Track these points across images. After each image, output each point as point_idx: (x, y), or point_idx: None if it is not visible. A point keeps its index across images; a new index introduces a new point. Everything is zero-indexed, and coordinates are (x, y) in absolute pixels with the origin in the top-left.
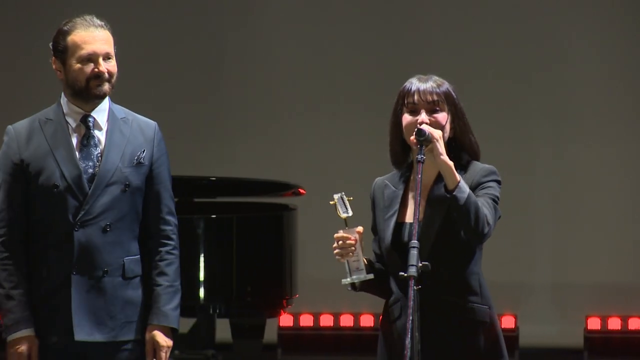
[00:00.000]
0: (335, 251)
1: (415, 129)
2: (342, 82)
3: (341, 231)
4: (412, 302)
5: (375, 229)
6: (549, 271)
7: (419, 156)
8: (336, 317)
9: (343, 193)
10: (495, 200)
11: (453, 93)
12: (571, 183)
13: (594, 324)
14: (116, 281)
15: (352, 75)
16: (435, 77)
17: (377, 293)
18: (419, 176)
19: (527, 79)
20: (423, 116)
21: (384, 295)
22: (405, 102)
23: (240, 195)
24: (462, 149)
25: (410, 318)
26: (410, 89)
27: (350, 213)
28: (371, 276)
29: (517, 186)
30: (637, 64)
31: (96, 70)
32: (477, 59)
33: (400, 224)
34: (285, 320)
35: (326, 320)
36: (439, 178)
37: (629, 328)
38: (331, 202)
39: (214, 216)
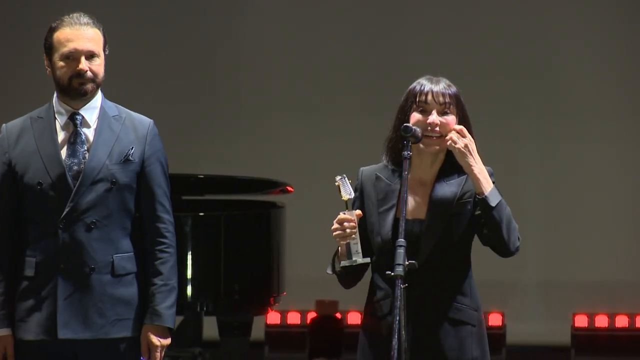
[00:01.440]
0: (336, 233)
1: (402, 126)
2: (332, 81)
3: (343, 213)
4: (398, 302)
5: (360, 222)
6: (537, 269)
7: (405, 152)
8: None
9: (345, 175)
10: None
11: (461, 97)
12: (560, 182)
13: (581, 321)
14: (105, 279)
15: (342, 75)
16: (445, 80)
17: (351, 278)
18: (405, 173)
19: (519, 77)
20: (434, 117)
21: (355, 281)
22: (416, 101)
23: (228, 193)
24: None
25: (397, 318)
26: (423, 89)
27: (353, 195)
28: (368, 260)
29: (505, 184)
30: (630, 60)
31: (77, 68)
32: (471, 58)
33: (398, 220)
34: (273, 317)
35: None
36: (441, 176)
37: (616, 326)
38: (336, 184)
39: (201, 214)
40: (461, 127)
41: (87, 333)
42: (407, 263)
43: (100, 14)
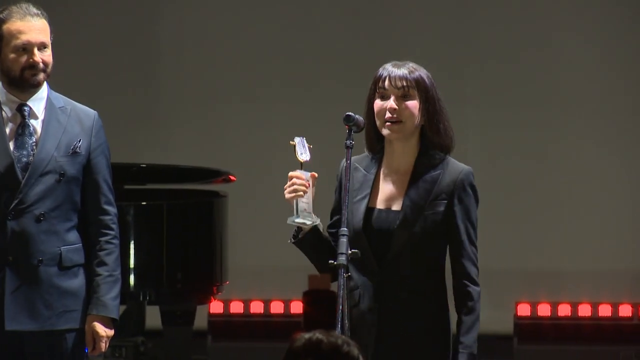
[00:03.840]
0: (287, 189)
1: (344, 115)
2: (277, 70)
3: (297, 171)
4: (341, 291)
5: (336, 211)
6: (479, 257)
7: (348, 141)
8: (266, 303)
9: (304, 138)
10: (475, 240)
11: (427, 80)
12: (503, 170)
13: (523, 310)
14: (52, 270)
15: (287, 64)
16: (411, 64)
17: (314, 258)
18: (348, 162)
19: (512, 63)
20: (391, 102)
21: (318, 264)
22: (377, 87)
23: (170, 182)
24: (433, 137)
25: (340, 307)
26: (382, 75)
27: (309, 157)
28: (318, 221)
29: None
30: (623, 49)
31: (31, 60)
32: (458, 44)
33: (371, 209)
34: (216, 307)
35: (256, 307)
36: (418, 166)
37: (559, 314)
38: (291, 142)
39: (144, 203)
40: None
41: (34, 325)
42: (349, 252)
43: (41, 2)
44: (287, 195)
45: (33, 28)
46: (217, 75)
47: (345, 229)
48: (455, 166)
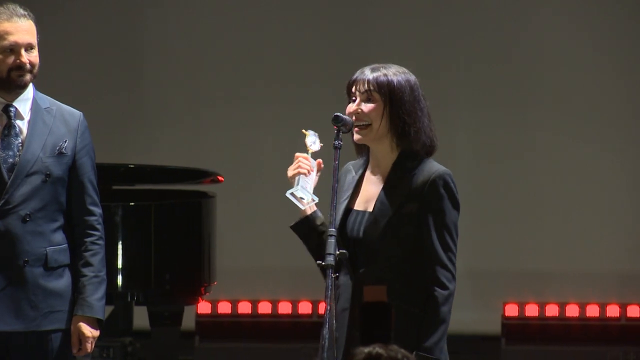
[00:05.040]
0: (291, 168)
1: (333, 116)
2: (263, 71)
3: (305, 154)
4: (329, 291)
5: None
6: (466, 258)
7: (336, 142)
8: (254, 304)
9: (317, 133)
10: (450, 242)
11: (396, 83)
12: (489, 171)
13: (511, 310)
14: (37, 271)
15: (273, 64)
16: (387, 67)
17: (309, 244)
18: (336, 162)
19: (500, 64)
20: (352, 105)
21: (313, 252)
22: (348, 91)
23: (158, 183)
24: (401, 141)
25: (328, 307)
26: (351, 78)
27: (318, 148)
28: (317, 200)
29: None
30: (611, 48)
31: (18, 61)
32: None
33: (349, 211)
34: (203, 307)
35: (244, 308)
36: (395, 167)
37: (546, 315)
38: (304, 131)
39: (132, 204)
40: None
41: (20, 325)
42: (338, 252)
43: (28, 4)
44: (290, 173)
45: (20, 29)
46: (204, 76)
47: (334, 229)
48: (430, 168)
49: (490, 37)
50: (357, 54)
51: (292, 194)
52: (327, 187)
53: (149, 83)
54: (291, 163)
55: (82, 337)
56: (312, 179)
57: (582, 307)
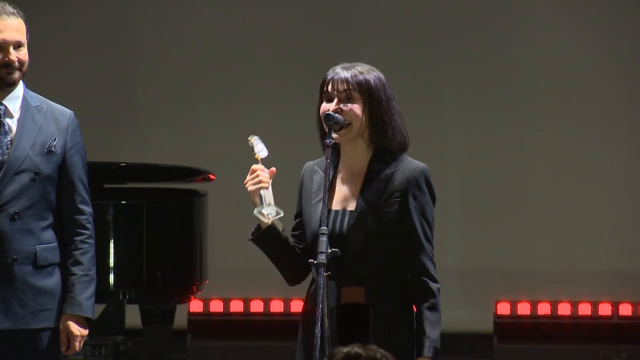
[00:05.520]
0: (250, 182)
1: (324, 115)
2: (256, 71)
3: (259, 164)
4: (321, 290)
5: (299, 214)
6: (458, 256)
7: (328, 140)
8: (246, 302)
9: (258, 136)
10: (431, 238)
11: (372, 82)
12: (479, 170)
13: (503, 309)
14: (27, 269)
15: (265, 64)
16: (360, 66)
17: (274, 257)
18: (328, 161)
19: (491, 63)
20: (331, 105)
21: (280, 265)
22: (322, 90)
23: (150, 181)
24: (378, 139)
25: (320, 306)
26: (326, 78)
27: (266, 154)
28: (282, 213)
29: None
30: (603, 47)
31: (6, 59)
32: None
33: (328, 211)
34: (195, 306)
35: (236, 306)
36: (372, 165)
37: (538, 313)
38: (249, 139)
39: (123, 202)
40: None
41: (8, 323)
42: (329, 251)
43: (18, 2)
44: (251, 187)
45: (9, 27)
46: (195, 75)
47: (325, 227)
48: (410, 164)
49: (487, 36)
50: (354, 53)
51: (259, 212)
52: (288, 192)
53: (140, 82)
54: (282, 161)
55: (70, 335)
56: (270, 191)
57: (574, 306)
